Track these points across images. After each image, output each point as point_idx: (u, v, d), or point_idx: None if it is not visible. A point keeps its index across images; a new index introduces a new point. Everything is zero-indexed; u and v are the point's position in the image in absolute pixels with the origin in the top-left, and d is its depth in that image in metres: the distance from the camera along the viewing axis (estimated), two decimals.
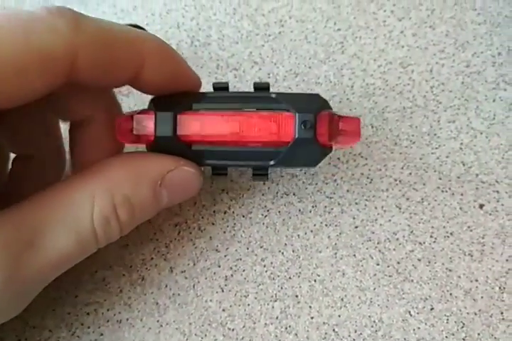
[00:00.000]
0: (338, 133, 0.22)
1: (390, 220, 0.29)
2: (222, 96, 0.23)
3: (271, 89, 0.23)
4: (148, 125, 0.22)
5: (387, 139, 0.30)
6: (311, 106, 0.21)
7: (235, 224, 0.29)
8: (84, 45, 0.19)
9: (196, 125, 0.21)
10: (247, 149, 0.22)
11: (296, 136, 0.21)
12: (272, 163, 0.22)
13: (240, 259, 0.28)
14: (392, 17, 0.33)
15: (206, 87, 0.26)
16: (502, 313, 0.27)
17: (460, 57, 0.32)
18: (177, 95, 0.22)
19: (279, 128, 0.21)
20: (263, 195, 0.29)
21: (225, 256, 0.28)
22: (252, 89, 0.23)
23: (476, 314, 0.27)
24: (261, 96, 0.22)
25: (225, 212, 0.29)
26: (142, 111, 0.22)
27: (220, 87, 0.23)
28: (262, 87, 0.23)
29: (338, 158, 0.30)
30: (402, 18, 0.33)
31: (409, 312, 0.27)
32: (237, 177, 0.30)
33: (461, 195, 0.29)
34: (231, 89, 0.24)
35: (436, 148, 0.30)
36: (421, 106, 0.31)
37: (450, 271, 0.28)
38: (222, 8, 0.33)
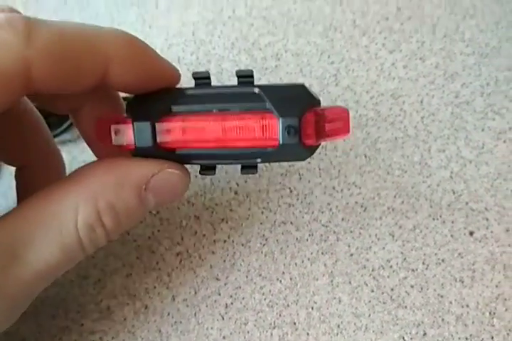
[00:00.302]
0: (325, 134, 0.21)
1: (383, 248, 0.30)
2: (203, 94, 0.21)
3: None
4: (127, 135, 0.21)
5: (379, 168, 0.31)
6: (295, 107, 0.20)
7: (234, 252, 0.30)
8: (37, 57, 0.18)
9: (177, 132, 0.21)
10: (232, 151, 0.21)
11: (281, 142, 0.20)
12: (259, 160, 0.21)
13: (240, 287, 0.29)
14: (384, 50, 0.34)
15: None
16: (492, 338, 0.28)
17: (449, 88, 0.33)
18: (154, 95, 0.21)
19: (263, 133, 0.20)
20: (261, 223, 0.30)
21: (225, 284, 0.29)
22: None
23: (467, 339, 0.28)
24: (244, 92, 0.21)
25: (224, 241, 0.30)
26: (120, 119, 0.21)
27: (201, 77, 0.21)
28: (244, 75, 0.21)
29: (333, 187, 0.31)
30: (393, 51, 0.34)
31: (403, 337, 0.28)
32: (236, 206, 0.31)
33: (452, 222, 0.30)
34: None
35: (427, 177, 0.31)
36: (412, 136, 0.32)
37: (442, 296, 0.29)
38: (221, 43, 0.34)
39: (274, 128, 0.20)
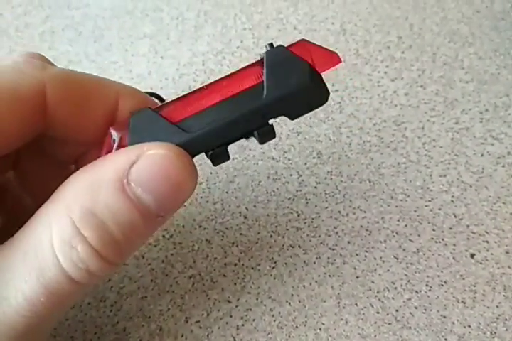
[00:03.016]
0: (309, 52, 0.20)
1: (388, 270, 0.31)
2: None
3: None
4: (123, 122, 0.19)
5: (383, 193, 0.33)
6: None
7: (244, 275, 0.31)
8: (51, 81, 0.19)
9: (178, 106, 0.19)
10: (231, 100, 0.19)
11: (266, 53, 0.20)
12: (263, 95, 0.19)
13: (250, 309, 0.30)
14: (386, 78, 0.36)
15: None
16: None
17: (449, 115, 0.35)
18: None
19: (255, 70, 0.20)
20: (270, 247, 0.32)
21: (236, 306, 0.30)
22: None
23: None
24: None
25: (235, 264, 0.31)
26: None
27: None
28: None
29: (339, 211, 0.32)
30: (394, 79, 0.36)
31: None
32: (246, 230, 0.32)
33: (454, 245, 0.31)
34: None
35: (430, 201, 0.32)
36: (414, 161, 0.33)
37: (445, 317, 0.30)
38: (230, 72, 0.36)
39: (260, 61, 0.20)
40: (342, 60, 0.21)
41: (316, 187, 0.33)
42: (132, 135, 0.18)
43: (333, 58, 0.21)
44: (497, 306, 0.30)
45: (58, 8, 0.41)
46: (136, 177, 0.16)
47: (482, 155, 0.33)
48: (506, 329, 0.29)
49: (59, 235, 0.16)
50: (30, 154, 0.24)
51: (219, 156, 0.20)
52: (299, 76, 0.19)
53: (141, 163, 0.16)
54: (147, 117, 0.18)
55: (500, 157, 0.33)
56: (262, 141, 0.20)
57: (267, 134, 0.20)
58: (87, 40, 0.39)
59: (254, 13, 0.40)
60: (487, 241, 0.31)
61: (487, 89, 0.36)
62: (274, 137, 0.20)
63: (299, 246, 0.32)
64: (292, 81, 0.19)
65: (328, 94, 0.20)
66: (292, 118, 0.21)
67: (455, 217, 0.32)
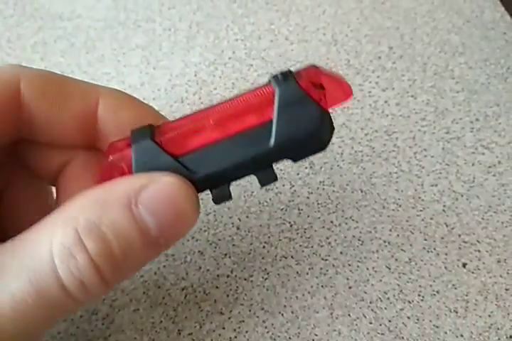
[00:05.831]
0: (321, 85, 0.19)
1: (380, 280, 0.31)
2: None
3: None
4: (124, 151, 0.19)
5: (375, 203, 0.33)
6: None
7: (237, 287, 0.31)
8: (27, 77, 0.19)
9: (174, 132, 0.19)
10: (237, 138, 0.19)
11: (277, 88, 0.19)
12: (272, 141, 0.18)
13: (243, 321, 0.30)
14: (377, 88, 0.36)
15: None
16: None
17: (440, 124, 0.35)
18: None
19: (259, 100, 0.19)
20: (263, 258, 0.32)
21: (229, 318, 0.30)
22: None
23: None
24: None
25: (227, 276, 0.31)
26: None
27: None
28: None
29: (331, 222, 0.33)
30: (385, 89, 0.36)
31: None
32: (239, 241, 0.32)
33: (446, 254, 0.31)
34: None
35: (421, 211, 0.33)
36: (405, 171, 0.34)
37: (437, 327, 0.30)
38: (222, 83, 0.36)
39: (269, 91, 0.19)
40: (352, 94, 0.20)
41: (308, 198, 0.33)
42: (137, 167, 0.18)
43: (344, 91, 0.20)
44: (489, 315, 0.30)
45: (50, 20, 0.41)
46: (145, 200, 0.17)
47: (473, 164, 0.34)
48: (499, 339, 0.29)
49: (60, 241, 0.16)
50: (7, 168, 0.23)
51: (222, 196, 0.20)
52: (312, 121, 0.18)
53: (152, 187, 0.17)
54: (149, 150, 0.18)
55: (491, 166, 0.34)
56: (263, 184, 0.20)
57: (269, 177, 0.20)
58: (79, 51, 0.39)
59: (246, 24, 0.40)
60: (479, 251, 0.31)
61: (477, 99, 0.36)
62: (276, 180, 0.20)
63: (291, 257, 0.32)
64: (302, 127, 0.18)
65: (332, 135, 0.19)
66: (296, 161, 0.20)
67: (447, 226, 0.32)
